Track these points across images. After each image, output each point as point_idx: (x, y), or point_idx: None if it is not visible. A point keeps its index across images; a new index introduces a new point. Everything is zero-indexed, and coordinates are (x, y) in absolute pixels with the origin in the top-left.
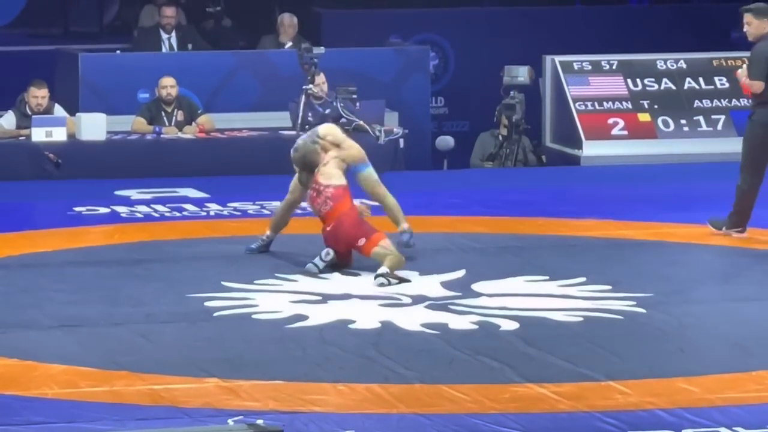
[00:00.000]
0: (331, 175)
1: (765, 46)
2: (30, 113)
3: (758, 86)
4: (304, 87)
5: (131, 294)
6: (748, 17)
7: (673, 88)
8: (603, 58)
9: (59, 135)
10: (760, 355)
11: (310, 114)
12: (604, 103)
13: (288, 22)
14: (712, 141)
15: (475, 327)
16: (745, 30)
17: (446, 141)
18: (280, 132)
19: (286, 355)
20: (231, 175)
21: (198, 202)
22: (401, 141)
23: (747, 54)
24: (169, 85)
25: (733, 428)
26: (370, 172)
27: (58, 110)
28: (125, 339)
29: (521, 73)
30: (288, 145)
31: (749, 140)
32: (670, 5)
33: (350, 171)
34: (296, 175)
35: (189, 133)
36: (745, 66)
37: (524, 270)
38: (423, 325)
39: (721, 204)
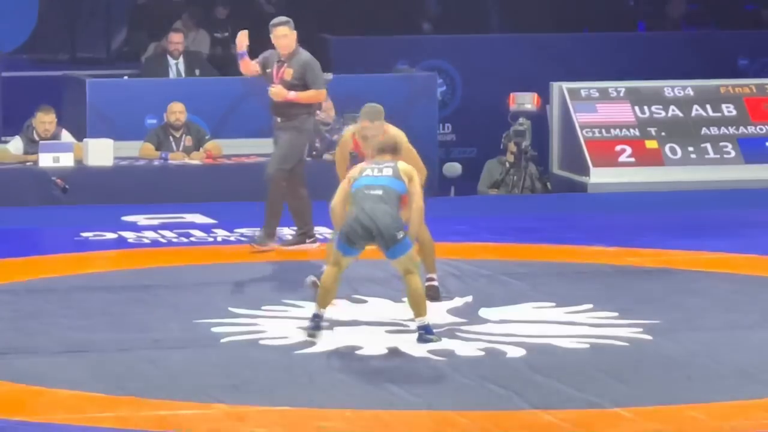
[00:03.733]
0: None
1: (309, 56)
2: (37, 139)
3: (324, 94)
4: None
5: (138, 319)
6: (285, 29)
7: (681, 115)
8: (610, 85)
9: (66, 160)
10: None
11: (317, 140)
12: (612, 130)
13: None
14: (719, 168)
15: (482, 354)
16: (280, 43)
17: (454, 167)
18: None
19: (293, 382)
20: (238, 201)
21: (205, 228)
22: None
23: (756, 81)
24: (177, 111)
25: None
26: None
27: (66, 136)
28: (132, 364)
29: (528, 100)
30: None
31: (296, 148)
32: (677, 33)
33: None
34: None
35: (196, 158)
36: (279, 85)
37: (531, 297)
38: (430, 352)
39: (729, 230)
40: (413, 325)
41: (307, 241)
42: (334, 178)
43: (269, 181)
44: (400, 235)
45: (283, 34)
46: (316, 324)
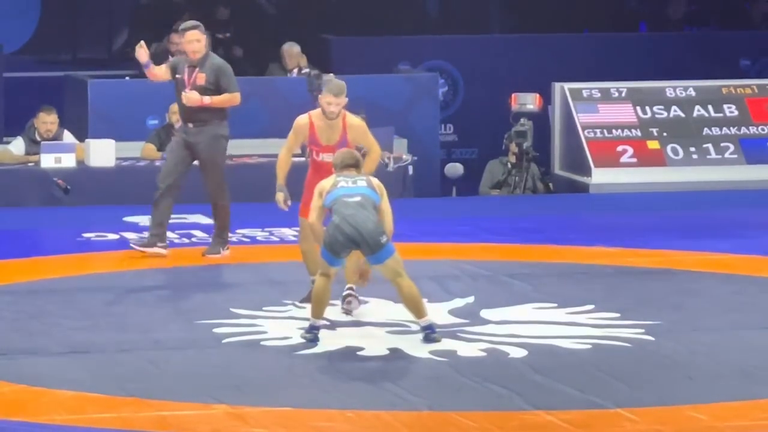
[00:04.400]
0: None
1: (221, 60)
2: (39, 139)
3: (239, 97)
4: None
5: (140, 320)
6: (197, 34)
7: (682, 115)
8: (612, 86)
9: (68, 161)
10: None
11: None
12: (613, 131)
13: (288, 51)
14: (721, 168)
15: (484, 354)
16: (193, 48)
17: (455, 168)
18: None
19: (295, 382)
20: (240, 202)
21: (207, 229)
22: (410, 168)
23: (757, 81)
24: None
25: None
26: None
27: (68, 136)
28: (133, 365)
29: (530, 101)
30: (297, 171)
31: (221, 156)
32: (679, 33)
33: None
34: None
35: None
36: (193, 91)
37: (533, 297)
38: (431, 353)
39: (731, 231)
40: (420, 325)
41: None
42: None
43: (217, 199)
44: (384, 239)
45: (196, 39)
46: (315, 335)
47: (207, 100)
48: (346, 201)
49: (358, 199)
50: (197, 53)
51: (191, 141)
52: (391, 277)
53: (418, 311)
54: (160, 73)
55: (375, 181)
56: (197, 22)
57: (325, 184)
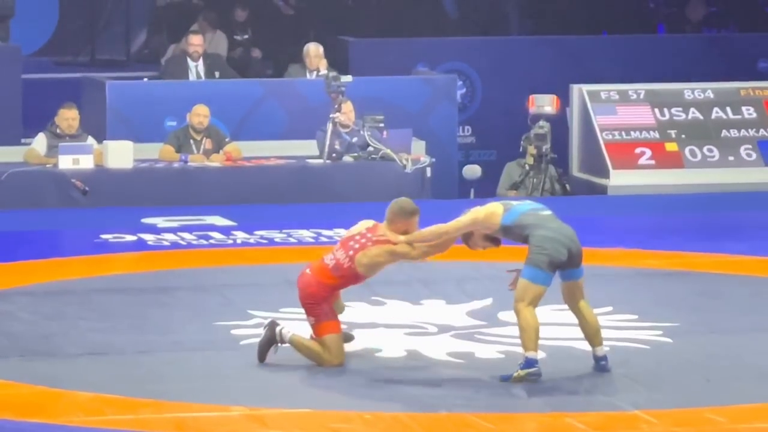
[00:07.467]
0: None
1: None
2: (62, 134)
3: None
4: (331, 115)
5: (158, 322)
6: None
7: (701, 117)
8: (630, 88)
9: (86, 162)
10: None
11: (337, 143)
12: (632, 133)
13: (314, 52)
14: (739, 171)
15: (502, 356)
16: None
17: (473, 170)
18: (307, 161)
19: (313, 384)
20: (258, 204)
21: (225, 231)
22: (428, 170)
23: None
24: (202, 114)
25: None
26: None
27: (90, 141)
28: (152, 367)
29: (547, 102)
30: (315, 173)
31: None
32: (697, 35)
33: None
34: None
35: (216, 161)
36: None
37: (551, 299)
38: (449, 354)
39: (749, 233)
40: (596, 354)
41: None
42: (353, 179)
43: None
44: None
45: None
46: (539, 370)
47: None
48: (541, 214)
49: (550, 212)
50: None
51: None
52: (575, 298)
53: (598, 339)
54: None
55: None
56: None
57: (493, 209)
